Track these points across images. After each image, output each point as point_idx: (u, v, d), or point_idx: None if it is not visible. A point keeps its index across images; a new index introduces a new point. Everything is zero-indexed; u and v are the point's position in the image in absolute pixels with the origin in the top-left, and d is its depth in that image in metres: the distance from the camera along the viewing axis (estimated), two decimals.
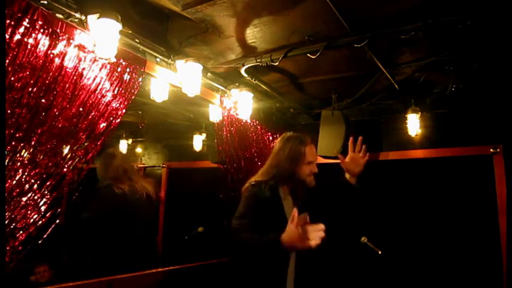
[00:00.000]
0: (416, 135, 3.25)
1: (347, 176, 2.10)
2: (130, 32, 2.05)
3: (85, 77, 1.72)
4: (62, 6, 1.71)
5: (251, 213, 1.82)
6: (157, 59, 2.28)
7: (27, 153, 1.52)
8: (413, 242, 3.25)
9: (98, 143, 1.79)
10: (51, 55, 1.59)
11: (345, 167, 2.09)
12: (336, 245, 2.20)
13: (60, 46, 1.62)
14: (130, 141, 4.53)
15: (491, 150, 3.06)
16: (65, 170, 1.65)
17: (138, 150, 4.71)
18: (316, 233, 1.53)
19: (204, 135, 3.93)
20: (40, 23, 1.54)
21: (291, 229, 1.56)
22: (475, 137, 3.16)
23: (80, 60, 1.70)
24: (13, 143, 1.47)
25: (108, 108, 1.83)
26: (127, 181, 2.62)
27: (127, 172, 2.65)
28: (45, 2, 1.63)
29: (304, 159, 1.97)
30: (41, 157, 1.56)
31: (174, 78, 2.30)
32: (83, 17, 1.77)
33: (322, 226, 1.55)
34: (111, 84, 1.85)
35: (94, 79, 1.76)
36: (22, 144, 1.50)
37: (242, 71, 2.64)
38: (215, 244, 3.17)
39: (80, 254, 2.52)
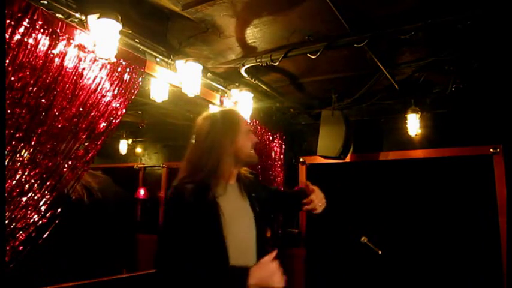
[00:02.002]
0: (416, 135, 3.25)
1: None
2: (130, 32, 2.05)
3: (85, 77, 1.72)
4: (62, 6, 1.71)
5: (189, 238, 1.32)
6: (157, 59, 2.28)
7: (27, 153, 1.52)
8: (413, 242, 3.25)
9: (98, 143, 1.79)
10: (51, 55, 1.59)
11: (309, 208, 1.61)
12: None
13: (60, 46, 1.62)
14: (130, 141, 4.53)
15: (491, 150, 3.06)
16: (64, 170, 1.65)
17: (138, 150, 4.72)
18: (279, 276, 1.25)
19: None
20: (40, 23, 1.54)
21: (265, 266, 1.26)
22: (475, 137, 3.17)
23: (80, 60, 1.70)
24: (13, 143, 1.47)
25: (108, 108, 1.83)
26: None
27: None
28: (45, 2, 1.63)
29: (240, 130, 1.53)
30: (41, 157, 1.56)
31: (174, 78, 2.30)
32: (83, 17, 1.77)
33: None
34: (111, 84, 1.85)
35: (94, 79, 1.76)
36: (22, 144, 1.50)
37: (242, 71, 2.64)
38: None
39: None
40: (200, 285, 1.28)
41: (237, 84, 2.90)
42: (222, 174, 1.46)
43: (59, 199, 1.84)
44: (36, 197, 1.54)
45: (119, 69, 1.89)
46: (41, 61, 1.54)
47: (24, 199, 1.51)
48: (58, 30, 1.61)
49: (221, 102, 2.79)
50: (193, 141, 1.60)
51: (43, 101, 1.56)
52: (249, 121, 3.08)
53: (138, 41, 2.13)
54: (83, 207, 2.10)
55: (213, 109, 1.67)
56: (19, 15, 1.47)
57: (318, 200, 1.63)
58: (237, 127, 1.53)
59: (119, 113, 1.88)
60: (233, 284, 1.26)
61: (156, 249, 1.35)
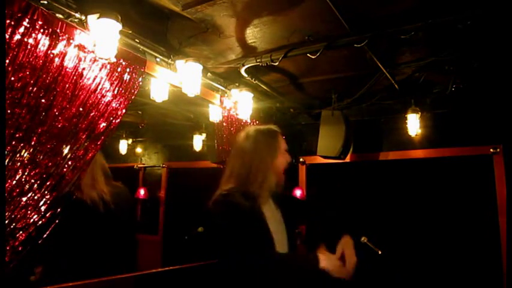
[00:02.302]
0: (416, 135, 3.25)
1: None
2: (130, 32, 2.05)
3: (85, 77, 1.72)
4: (62, 6, 1.71)
5: (235, 232, 1.47)
6: (157, 59, 2.28)
7: (27, 153, 1.52)
8: (414, 242, 3.25)
9: (98, 143, 1.79)
10: (51, 55, 1.59)
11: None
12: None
13: (60, 46, 1.62)
14: (130, 141, 4.53)
15: (491, 150, 3.07)
16: (64, 170, 1.65)
17: (138, 150, 4.72)
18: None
19: (204, 135, 3.93)
20: (40, 23, 1.54)
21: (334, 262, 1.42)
22: (475, 137, 3.17)
23: (80, 60, 1.70)
24: (13, 143, 1.47)
25: (108, 108, 1.83)
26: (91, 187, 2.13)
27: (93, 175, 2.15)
28: (45, 2, 1.63)
29: (280, 149, 1.68)
30: (41, 157, 1.56)
31: (174, 78, 2.30)
32: (83, 17, 1.77)
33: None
34: (111, 84, 1.85)
35: (94, 79, 1.76)
36: (22, 144, 1.50)
37: (242, 71, 2.64)
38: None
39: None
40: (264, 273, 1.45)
41: (237, 84, 2.90)
42: (267, 188, 1.62)
43: (75, 204, 1.97)
44: (36, 197, 1.54)
45: (119, 69, 1.89)
46: (41, 61, 1.54)
47: (24, 199, 1.51)
48: (58, 30, 1.61)
49: (221, 102, 2.79)
50: (236, 155, 1.72)
51: (43, 101, 1.56)
52: (249, 121, 3.08)
53: (138, 41, 2.13)
54: (98, 216, 2.09)
55: (257, 127, 1.76)
56: (19, 15, 1.47)
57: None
58: (279, 146, 1.69)
59: (119, 113, 1.88)
60: (306, 266, 1.44)
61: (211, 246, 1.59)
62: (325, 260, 1.43)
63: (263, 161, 1.61)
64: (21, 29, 1.48)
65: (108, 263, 2.16)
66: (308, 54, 2.37)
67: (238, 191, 1.56)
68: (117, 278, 1.92)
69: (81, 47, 1.71)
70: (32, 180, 1.53)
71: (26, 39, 1.49)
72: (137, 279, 2.09)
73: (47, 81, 1.57)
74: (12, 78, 1.45)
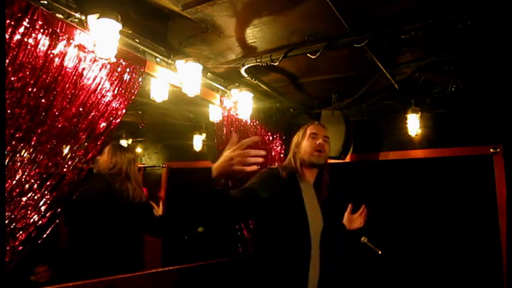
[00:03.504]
0: (416, 135, 3.25)
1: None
2: (130, 32, 2.05)
3: (85, 77, 1.72)
4: (62, 6, 1.71)
5: (257, 181, 1.74)
6: (157, 59, 2.28)
7: (27, 153, 1.52)
8: (414, 242, 3.25)
9: (98, 143, 1.79)
10: (51, 55, 1.59)
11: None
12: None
13: (60, 46, 1.62)
14: (130, 141, 4.53)
15: (491, 150, 3.06)
16: (65, 170, 1.65)
17: (138, 150, 4.72)
18: (251, 158, 1.33)
19: (204, 135, 3.93)
20: (40, 23, 1.54)
21: (223, 154, 1.37)
22: (475, 137, 3.16)
23: (80, 60, 1.70)
24: (13, 143, 1.47)
25: (108, 108, 1.83)
26: (124, 179, 2.51)
27: (127, 171, 2.55)
28: (45, 2, 1.63)
29: (305, 134, 1.98)
30: (41, 157, 1.56)
31: (174, 78, 2.30)
32: (83, 17, 1.77)
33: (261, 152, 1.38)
34: (111, 84, 1.85)
35: (94, 79, 1.76)
36: (22, 144, 1.50)
37: (242, 71, 2.64)
38: (215, 244, 3.17)
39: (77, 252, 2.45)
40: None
41: (237, 84, 2.90)
42: (296, 170, 1.90)
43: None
44: (36, 197, 1.54)
45: (119, 69, 1.89)
46: (41, 61, 1.54)
47: (24, 199, 1.51)
48: (58, 30, 1.61)
49: (221, 102, 2.79)
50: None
51: (43, 101, 1.56)
52: (249, 121, 3.08)
53: (138, 41, 2.13)
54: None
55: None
56: (19, 15, 1.47)
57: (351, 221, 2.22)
58: (301, 132, 2.01)
59: (119, 113, 1.88)
60: (203, 185, 1.51)
61: None
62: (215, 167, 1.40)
63: (294, 146, 1.98)
64: (21, 29, 1.48)
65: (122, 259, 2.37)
66: (308, 54, 2.37)
67: (282, 167, 1.88)
68: (117, 278, 1.92)
69: (81, 47, 1.71)
70: (32, 180, 1.53)
71: (26, 39, 1.49)
72: (137, 278, 2.09)
73: (47, 81, 1.57)
74: (12, 78, 1.45)
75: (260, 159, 1.35)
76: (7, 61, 1.43)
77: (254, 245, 1.91)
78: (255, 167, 1.34)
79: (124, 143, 4.44)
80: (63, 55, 1.63)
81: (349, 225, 2.17)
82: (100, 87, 1.79)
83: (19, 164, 1.49)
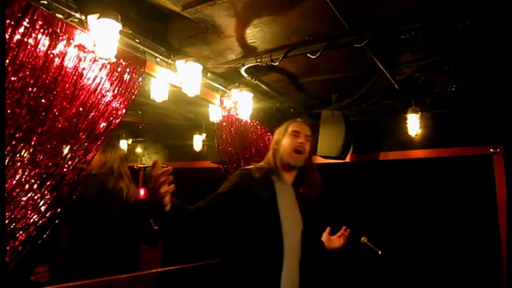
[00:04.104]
0: (416, 135, 3.25)
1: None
2: (130, 32, 2.05)
3: (85, 77, 1.72)
4: (62, 6, 1.71)
5: (227, 185, 1.70)
6: (158, 59, 2.28)
7: (27, 153, 1.51)
8: (414, 241, 3.25)
9: (98, 143, 1.79)
10: (51, 55, 1.58)
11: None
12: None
13: (60, 46, 1.62)
14: (130, 141, 4.53)
15: (491, 150, 3.06)
16: (65, 170, 1.65)
17: (138, 150, 4.72)
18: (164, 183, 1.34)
19: (204, 135, 3.93)
20: (40, 23, 1.54)
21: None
22: (475, 137, 3.17)
23: (80, 60, 1.70)
24: (13, 143, 1.46)
25: (108, 108, 1.83)
26: (117, 178, 2.48)
27: (119, 169, 2.51)
28: (45, 2, 1.63)
29: (286, 131, 1.86)
30: (41, 157, 1.56)
31: (174, 78, 2.30)
32: (83, 17, 1.77)
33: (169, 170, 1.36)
34: (111, 84, 1.85)
35: (94, 79, 1.76)
36: (22, 144, 1.49)
37: (242, 71, 2.64)
38: (215, 244, 3.16)
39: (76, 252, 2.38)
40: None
41: (237, 84, 2.90)
42: (273, 169, 1.81)
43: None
44: (36, 197, 1.54)
45: (119, 69, 1.89)
46: (41, 61, 1.54)
47: (24, 199, 1.50)
48: (58, 30, 1.61)
49: (221, 102, 2.79)
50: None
51: (43, 101, 1.56)
52: (249, 121, 3.07)
53: (138, 41, 2.13)
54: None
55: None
56: (19, 15, 1.47)
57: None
58: (283, 129, 1.88)
59: (119, 113, 1.88)
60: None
61: None
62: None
63: (275, 143, 1.87)
64: (21, 29, 1.48)
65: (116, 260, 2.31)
66: (308, 54, 2.37)
67: (260, 167, 1.80)
68: (117, 278, 1.92)
69: (81, 47, 1.71)
70: (32, 180, 1.53)
71: (26, 39, 1.49)
72: (137, 279, 2.09)
73: (47, 81, 1.57)
74: (12, 78, 1.45)
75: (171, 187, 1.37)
76: (7, 61, 1.43)
77: (226, 248, 1.80)
78: (172, 188, 1.38)
79: (124, 143, 4.44)
80: (63, 55, 1.63)
81: (328, 244, 2.06)
82: (100, 87, 1.79)
83: (19, 164, 1.49)
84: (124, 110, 1.90)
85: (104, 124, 1.80)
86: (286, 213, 1.71)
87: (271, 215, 1.68)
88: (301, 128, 1.85)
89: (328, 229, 2.11)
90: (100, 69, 1.78)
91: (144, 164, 4.69)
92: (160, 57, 2.28)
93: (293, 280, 1.66)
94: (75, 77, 1.68)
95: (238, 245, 1.69)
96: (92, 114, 1.75)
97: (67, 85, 1.65)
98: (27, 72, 1.50)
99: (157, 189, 1.34)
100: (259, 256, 1.63)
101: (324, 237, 2.08)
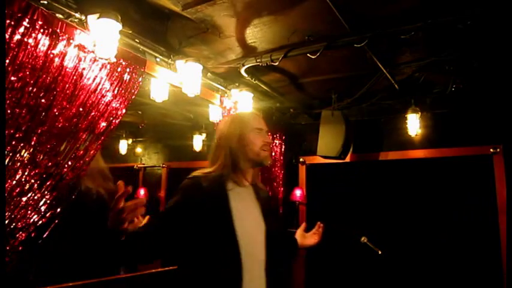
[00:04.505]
0: (416, 135, 3.25)
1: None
2: (130, 32, 2.05)
3: (85, 77, 1.72)
4: (62, 6, 1.71)
5: (171, 202, 1.50)
6: (157, 59, 2.28)
7: (27, 153, 1.52)
8: (414, 241, 3.25)
9: (98, 143, 1.79)
10: (51, 55, 1.59)
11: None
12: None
13: (60, 46, 1.62)
14: (130, 141, 4.53)
15: (491, 150, 3.06)
16: (64, 170, 1.65)
17: (138, 150, 4.72)
18: (133, 213, 1.24)
19: (204, 135, 3.93)
20: (40, 23, 1.54)
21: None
22: (475, 137, 3.17)
23: (80, 60, 1.70)
24: (13, 143, 1.47)
25: (108, 108, 1.83)
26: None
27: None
28: (45, 2, 1.63)
29: (250, 127, 1.62)
30: (41, 157, 1.56)
31: (174, 78, 2.30)
32: (83, 17, 1.77)
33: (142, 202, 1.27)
34: (111, 84, 1.85)
35: (94, 79, 1.76)
36: (22, 144, 1.50)
37: (242, 71, 2.64)
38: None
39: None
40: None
41: (237, 84, 2.90)
42: (233, 170, 1.58)
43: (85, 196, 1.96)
44: (36, 197, 1.54)
45: (119, 69, 1.89)
46: (40, 61, 1.54)
47: (24, 199, 1.51)
48: (58, 30, 1.61)
49: (221, 102, 2.79)
50: (215, 141, 1.69)
51: (43, 101, 1.56)
52: None
53: (138, 41, 2.13)
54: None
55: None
56: (19, 15, 1.47)
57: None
58: (245, 125, 1.63)
59: (119, 113, 1.88)
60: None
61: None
62: None
63: (227, 142, 1.60)
64: (21, 29, 1.48)
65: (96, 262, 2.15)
66: (308, 54, 2.37)
67: (208, 174, 1.56)
68: (117, 278, 1.92)
69: (81, 47, 1.71)
70: (32, 180, 1.53)
71: (26, 39, 1.49)
72: (137, 279, 2.09)
73: (47, 81, 1.57)
74: (12, 78, 1.45)
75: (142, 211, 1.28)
76: (7, 61, 1.43)
77: (178, 259, 1.61)
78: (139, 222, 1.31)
79: (124, 143, 4.44)
80: (63, 55, 1.63)
81: (302, 241, 1.91)
82: (100, 87, 1.79)
83: (19, 164, 1.49)
84: (124, 110, 1.90)
85: (104, 124, 1.81)
86: (244, 220, 1.54)
87: (224, 227, 1.49)
88: (262, 124, 1.68)
89: (303, 225, 1.99)
90: (100, 69, 1.79)
91: (144, 164, 4.69)
92: (160, 57, 2.29)
93: (260, 286, 1.54)
94: (75, 77, 1.68)
95: (194, 259, 1.51)
96: (92, 114, 1.75)
97: (67, 85, 1.65)
98: (27, 72, 1.50)
99: (121, 221, 1.23)
100: (215, 272, 1.46)
101: (298, 233, 1.94)
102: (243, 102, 2.85)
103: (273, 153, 3.55)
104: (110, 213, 1.26)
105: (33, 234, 1.52)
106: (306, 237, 1.94)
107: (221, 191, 1.54)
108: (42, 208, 1.56)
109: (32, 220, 1.53)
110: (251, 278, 1.49)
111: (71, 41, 1.67)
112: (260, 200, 1.66)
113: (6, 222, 1.44)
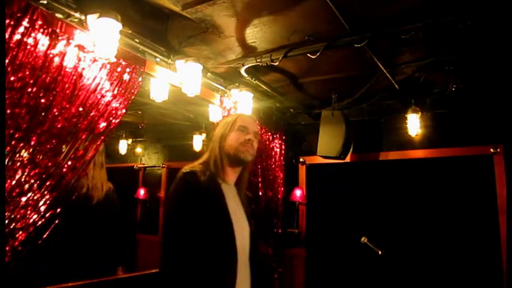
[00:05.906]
0: (416, 135, 3.25)
1: None
2: (130, 31, 2.05)
3: (85, 77, 1.72)
4: (62, 6, 1.71)
5: (193, 217, 1.43)
6: (157, 59, 2.28)
7: (27, 153, 1.52)
8: (414, 241, 3.25)
9: (98, 143, 1.79)
10: (51, 55, 1.58)
11: None
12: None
13: (60, 46, 1.62)
14: (130, 141, 4.53)
15: (492, 150, 3.06)
16: (64, 170, 1.65)
17: (138, 150, 4.72)
18: None
19: (204, 135, 3.93)
20: (40, 22, 1.54)
21: None
22: (475, 137, 3.17)
23: (79, 60, 1.70)
24: (13, 143, 1.46)
25: (108, 108, 1.83)
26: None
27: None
28: (45, 2, 1.63)
29: (234, 125, 1.64)
30: (41, 157, 1.56)
31: (174, 78, 2.30)
32: (83, 17, 1.77)
33: None
34: (111, 84, 1.85)
35: (94, 79, 1.76)
36: (22, 144, 1.49)
37: (242, 71, 2.64)
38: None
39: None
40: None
41: (237, 84, 2.90)
42: (217, 167, 1.59)
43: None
44: (36, 197, 1.54)
45: (119, 69, 1.89)
46: (40, 61, 1.54)
47: (24, 199, 1.51)
48: (58, 30, 1.61)
49: (221, 102, 2.79)
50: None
51: (43, 101, 1.56)
52: None
53: (138, 40, 2.13)
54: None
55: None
56: (19, 15, 1.47)
57: None
58: (229, 124, 1.65)
59: (119, 113, 1.88)
60: None
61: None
62: None
63: (213, 140, 1.65)
64: (21, 29, 1.48)
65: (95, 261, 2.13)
66: (308, 54, 2.37)
67: (204, 169, 1.55)
68: (117, 279, 1.92)
69: (80, 47, 1.71)
70: (32, 180, 1.53)
71: (25, 39, 1.49)
72: (137, 279, 2.09)
73: (47, 81, 1.57)
74: (12, 78, 1.45)
75: None
76: (7, 61, 1.43)
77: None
78: None
79: (124, 143, 4.44)
80: (62, 55, 1.63)
81: None
82: (100, 87, 1.79)
83: (19, 164, 1.49)
84: (124, 110, 1.90)
85: (103, 124, 1.80)
86: (235, 218, 1.54)
87: (224, 223, 1.49)
88: (248, 123, 1.67)
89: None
90: (100, 69, 1.78)
91: (144, 164, 4.69)
92: (160, 57, 2.28)
93: (246, 282, 1.54)
94: (74, 77, 1.68)
95: (189, 257, 1.43)
96: (92, 114, 1.75)
97: (67, 85, 1.65)
98: (27, 72, 1.50)
99: None
100: (215, 268, 1.43)
101: None
102: (243, 102, 2.85)
103: (273, 153, 3.55)
104: None
105: (33, 234, 1.52)
106: None
107: (216, 187, 1.55)
108: (42, 208, 1.56)
109: (31, 220, 1.53)
110: (241, 275, 1.50)
111: (71, 40, 1.67)
112: (242, 201, 1.67)
113: (6, 222, 1.44)
